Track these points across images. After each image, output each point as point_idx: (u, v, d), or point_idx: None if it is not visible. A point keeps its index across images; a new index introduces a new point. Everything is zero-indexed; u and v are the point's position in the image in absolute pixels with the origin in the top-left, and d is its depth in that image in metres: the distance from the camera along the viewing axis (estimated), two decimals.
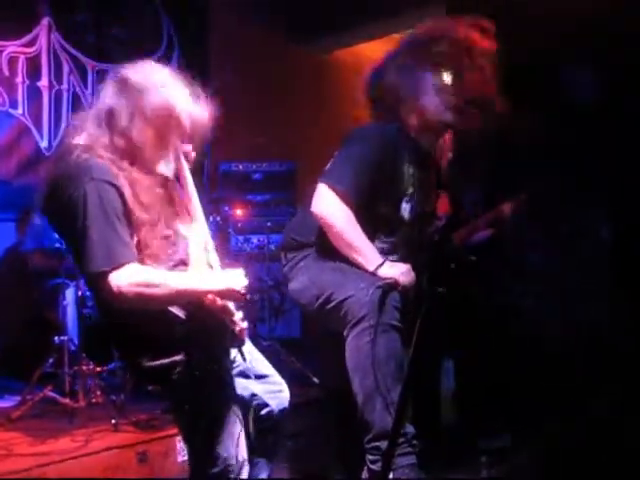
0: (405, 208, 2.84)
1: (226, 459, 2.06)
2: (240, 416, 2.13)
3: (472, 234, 3.04)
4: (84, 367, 3.97)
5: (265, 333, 5.06)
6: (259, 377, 2.31)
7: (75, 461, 3.20)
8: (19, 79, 5.08)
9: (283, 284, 3.31)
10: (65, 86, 5.32)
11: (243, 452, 2.12)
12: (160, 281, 1.92)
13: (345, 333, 2.66)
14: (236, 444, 2.08)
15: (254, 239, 5.64)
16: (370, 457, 2.62)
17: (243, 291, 2.04)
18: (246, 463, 2.13)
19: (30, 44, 5.15)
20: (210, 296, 2.02)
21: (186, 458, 2.33)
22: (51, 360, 4.00)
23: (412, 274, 2.72)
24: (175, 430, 3.14)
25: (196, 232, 2.11)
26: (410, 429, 2.60)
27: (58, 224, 2.10)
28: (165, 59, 5.58)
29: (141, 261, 1.96)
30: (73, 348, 4.04)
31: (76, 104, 5.28)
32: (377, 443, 2.58)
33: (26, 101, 5.11)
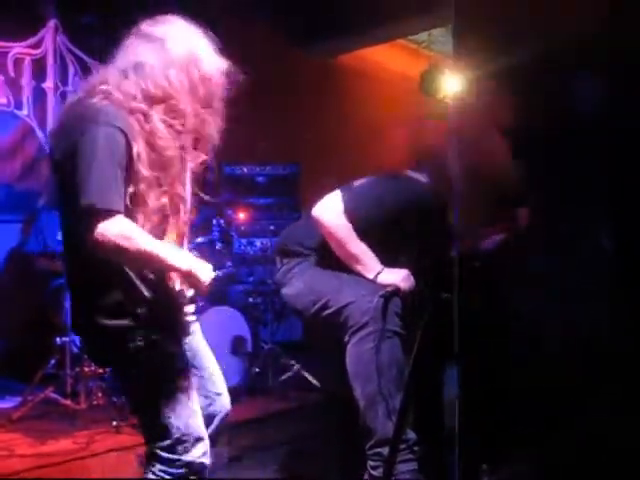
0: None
1: (179, 429, 2.04)
2: (195, 395, 2.12)
3: (483, 239, 3.01)
4: (86, 369, 3.98)
5: (267, 336, 5.05)
6: (197, 369, 2.27)
7: (76, 462, 3.21)
8: (25, 80, 5.10)
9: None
10: (70, 88, 5.33)
11: (199, 429, 2.10)
12: (139, 238, 1.94)
13: (346, 339, 2.65)
14: (189, 418, 2.06)
15: (257, 242, 5.63)
16: (371, 463, 2.61)
17: (205, 284, 2.04)
18: (203, 441, 2.10)
19: (36, 46, 5.17)
20: (173, 275, 2.06)
21: None
22: (53, 361, 4.01)
23: (412, 279, 2.71)
24: None
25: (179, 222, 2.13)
26: (412, 435, 2.60)
27: (61, 162, 2.05)
28: None
29: (132, 214, 1.97)
30: (75, 350, 4.05)
31: None
32: (379, 449, 2.57)
33: (31, 102, 5.13)
